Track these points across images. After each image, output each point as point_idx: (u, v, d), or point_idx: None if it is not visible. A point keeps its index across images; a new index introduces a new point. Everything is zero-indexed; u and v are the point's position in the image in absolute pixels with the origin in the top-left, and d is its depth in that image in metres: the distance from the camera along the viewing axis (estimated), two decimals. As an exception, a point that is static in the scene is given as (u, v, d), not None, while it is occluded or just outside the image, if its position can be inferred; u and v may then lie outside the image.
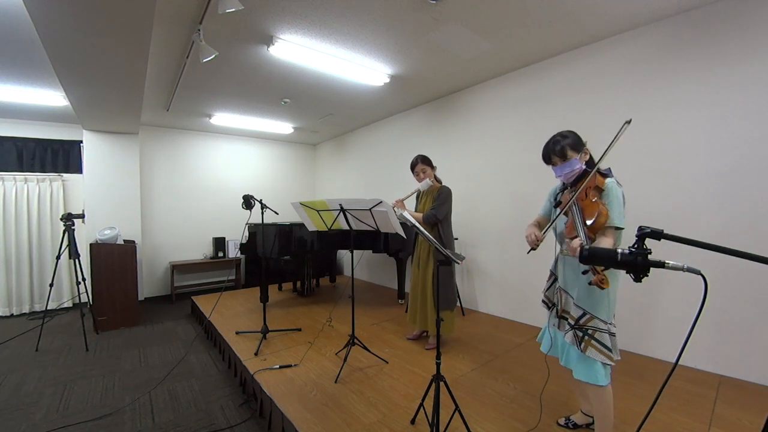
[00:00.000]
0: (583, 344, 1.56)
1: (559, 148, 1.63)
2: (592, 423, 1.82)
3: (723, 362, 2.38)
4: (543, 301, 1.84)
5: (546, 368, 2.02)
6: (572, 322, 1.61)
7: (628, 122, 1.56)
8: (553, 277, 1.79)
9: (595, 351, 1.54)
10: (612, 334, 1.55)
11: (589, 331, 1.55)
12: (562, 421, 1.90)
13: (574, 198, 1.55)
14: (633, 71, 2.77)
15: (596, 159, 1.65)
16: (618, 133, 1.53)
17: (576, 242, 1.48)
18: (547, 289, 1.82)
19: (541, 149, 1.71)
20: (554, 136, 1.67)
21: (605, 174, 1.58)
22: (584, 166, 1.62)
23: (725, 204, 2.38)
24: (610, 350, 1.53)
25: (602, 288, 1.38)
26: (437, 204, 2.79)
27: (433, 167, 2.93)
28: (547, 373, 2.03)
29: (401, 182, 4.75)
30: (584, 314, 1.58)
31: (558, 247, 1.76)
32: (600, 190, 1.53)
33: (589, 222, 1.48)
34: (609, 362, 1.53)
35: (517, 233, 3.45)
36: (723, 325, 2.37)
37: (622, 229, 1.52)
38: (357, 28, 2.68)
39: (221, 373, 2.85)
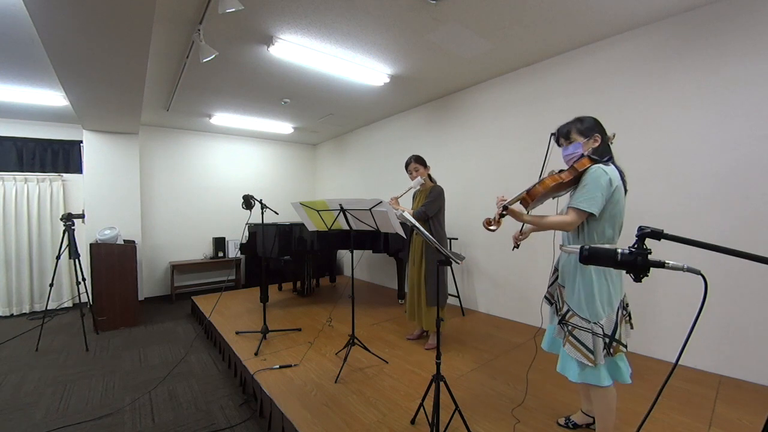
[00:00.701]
0: (564, 339, 1.58)
1: (566, 130, 1.64)
2: (593, 423, 1.82)
3: (723, 362, 2.38)
4: (545, 297, 1.83)
5: (534, 347, 2.02)
6: (559, 317, 1.64)
7: (554, 134, 1.70)
8: (556, 273, 1.78)
9: (572, 348, 1.52)
10: (597, 335, 1.48)
11: (569, 327, 1.55)
12: (562, 420, 1.90)
13: (544, 171, 1.62)
14: (633, 71, 2.77)
15: (612, 152, 1.62)
16: (548, 146, 1.68)
17: (498, 198, 1.63)
18: (550, 285, 1.81)
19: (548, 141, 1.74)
20: (573, 119, 1.67)
21: (595, 160, 1.54)
22: (585, 152, 1.59)
23: (725, 204, 2.37)
24: (590, 351, 1.48)
25: (487, 229, 1.63)
26: (428, 201, 2.84)
27: (426, 167, 2.95)
28: (535, 351, 2.01)
29: (401, 182, 4.73)
30: (568, 310, 1.58)
31: (560, 240, 1.76)
32: (575, 171, 1.52)
33: (534, 185, 1.55)
34: (587, 362, 1.48)
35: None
36: (723, 325, 2.37)
37: (592, 214, 1.48)
38: (357, 28, 2.68)
39: (221, 373, 2.85)
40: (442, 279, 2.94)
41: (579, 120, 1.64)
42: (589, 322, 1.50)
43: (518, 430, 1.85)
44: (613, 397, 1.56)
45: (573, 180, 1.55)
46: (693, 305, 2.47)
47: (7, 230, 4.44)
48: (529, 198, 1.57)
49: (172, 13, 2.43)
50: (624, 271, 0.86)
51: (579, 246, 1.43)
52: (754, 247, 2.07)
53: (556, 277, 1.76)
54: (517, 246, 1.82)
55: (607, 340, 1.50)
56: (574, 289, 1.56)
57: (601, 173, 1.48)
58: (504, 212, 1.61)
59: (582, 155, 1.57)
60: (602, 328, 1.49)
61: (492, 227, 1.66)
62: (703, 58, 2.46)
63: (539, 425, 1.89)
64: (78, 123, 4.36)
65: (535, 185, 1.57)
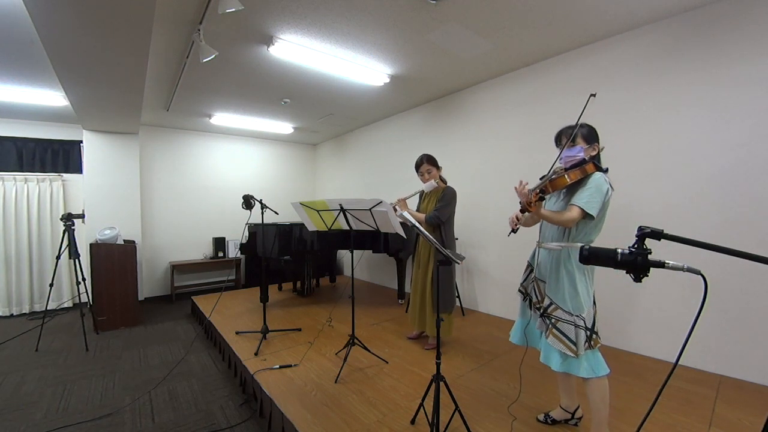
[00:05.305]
0: (547, 331, 1.66)
1: (572, 133, 1.70)
2: (571, 419, 1.86)
3: (723, 362, 2.38)
4: (519, 291, 1.94)
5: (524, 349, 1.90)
6: (541, 310, 1.71)
7: (593, 95, 1.72)
8: (530, 268, 1.87)
9: (555, 339, 1.61)
10: (579, 327, 1.57)
11: (552, 320, 1.64)
12: (541, 417, 1.92)
13: (555, 165, 1.68)
14: (633, 71, 2.77)
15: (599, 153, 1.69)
16: (584, 106, 1.66)
17: (518, 187, 1.64)
18: (524, 280, 1.91)
19: (548, 141, 1.81)
20: (575, 123, 1.71)
21: (599, 168, 1.63)
22: (585, 157, 1.66)
23: (725, 204, 2.37)
24: (573, 342, 1.56)
25: (528, 210, 1.56)
26: (441, 206, 2.74)
27: (438, 167, 2.87)
28: (525, 349, 1.89)
29: (402, 182, 4.74)
30: (551, 303, 1.66)
31: (538, 236, 1.83)
32: (585, 173, 1.59)
33: (554, 177, 1.58)
34: (569, 353, 1.57)
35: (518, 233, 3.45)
36: (723, 325, 2.37)
37: (591, 216, 1.54)
38: (357, 28, 2.68)
39: (221, 373, 2.85)
40: (450, 283, 2.86)
41: (581, 126, 1.72)
42: (572, 314, 1.59)
43: (516, 429, 1.85)
44: (607, 388, 1.62)
45: (577, 181, 1.61)
46: (693, 305, 2.47)
47: (7, 230, 4.44)
48: (551, 188, 1.59)
49: (172, 13, 2.43)
50: (596, 267, 0.86)
51: (564, 244, 1.58)
52: (754, 246, 2.07)
53: (531, 271, 1.86)
54: (515, 231, 1.74)
55: (589, 333, 1.59)
56: (558, 283, 1.64)
57: (603, 181, 1.59)
58: (542, 195, 1.54)
59: (585, 160, 1.65)
60: (584, 321, 1.59)
61: (518, 224, 1.67)
62: (702, 59, 2.45)
63: (541, 426, 1.88)
64: (78, 123, 4.36)
65: (557, 176, 1.57)
